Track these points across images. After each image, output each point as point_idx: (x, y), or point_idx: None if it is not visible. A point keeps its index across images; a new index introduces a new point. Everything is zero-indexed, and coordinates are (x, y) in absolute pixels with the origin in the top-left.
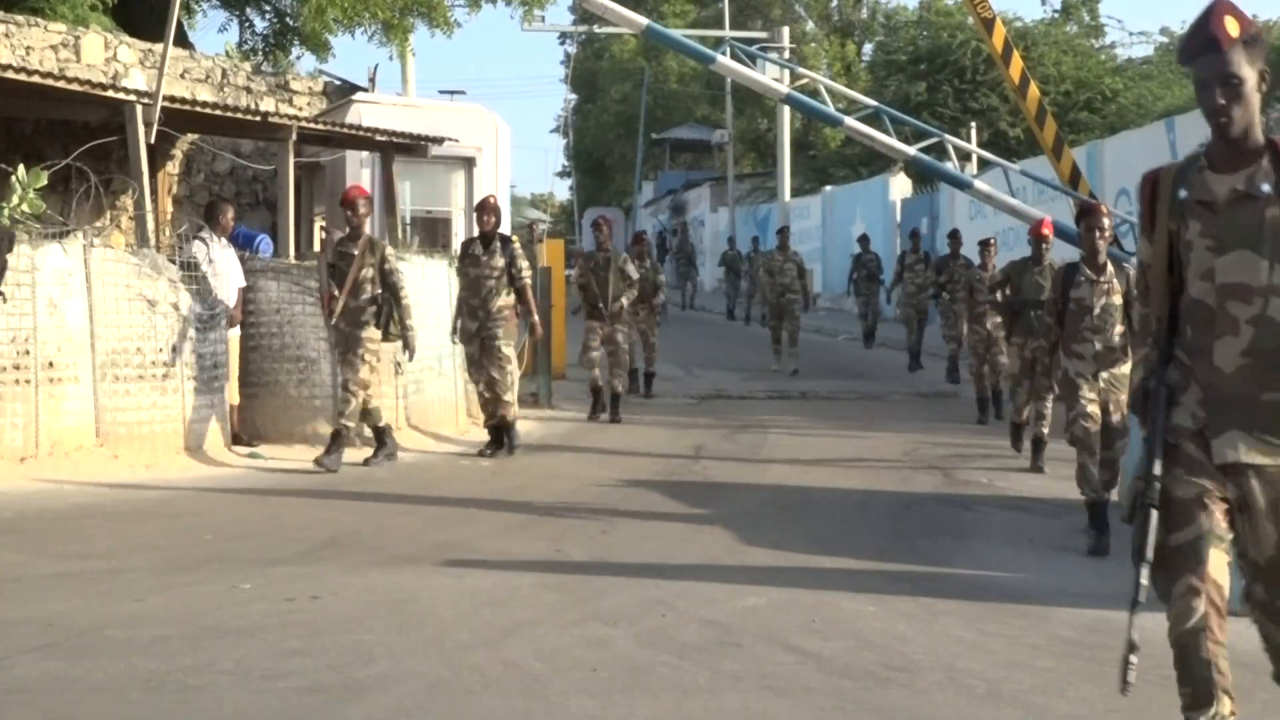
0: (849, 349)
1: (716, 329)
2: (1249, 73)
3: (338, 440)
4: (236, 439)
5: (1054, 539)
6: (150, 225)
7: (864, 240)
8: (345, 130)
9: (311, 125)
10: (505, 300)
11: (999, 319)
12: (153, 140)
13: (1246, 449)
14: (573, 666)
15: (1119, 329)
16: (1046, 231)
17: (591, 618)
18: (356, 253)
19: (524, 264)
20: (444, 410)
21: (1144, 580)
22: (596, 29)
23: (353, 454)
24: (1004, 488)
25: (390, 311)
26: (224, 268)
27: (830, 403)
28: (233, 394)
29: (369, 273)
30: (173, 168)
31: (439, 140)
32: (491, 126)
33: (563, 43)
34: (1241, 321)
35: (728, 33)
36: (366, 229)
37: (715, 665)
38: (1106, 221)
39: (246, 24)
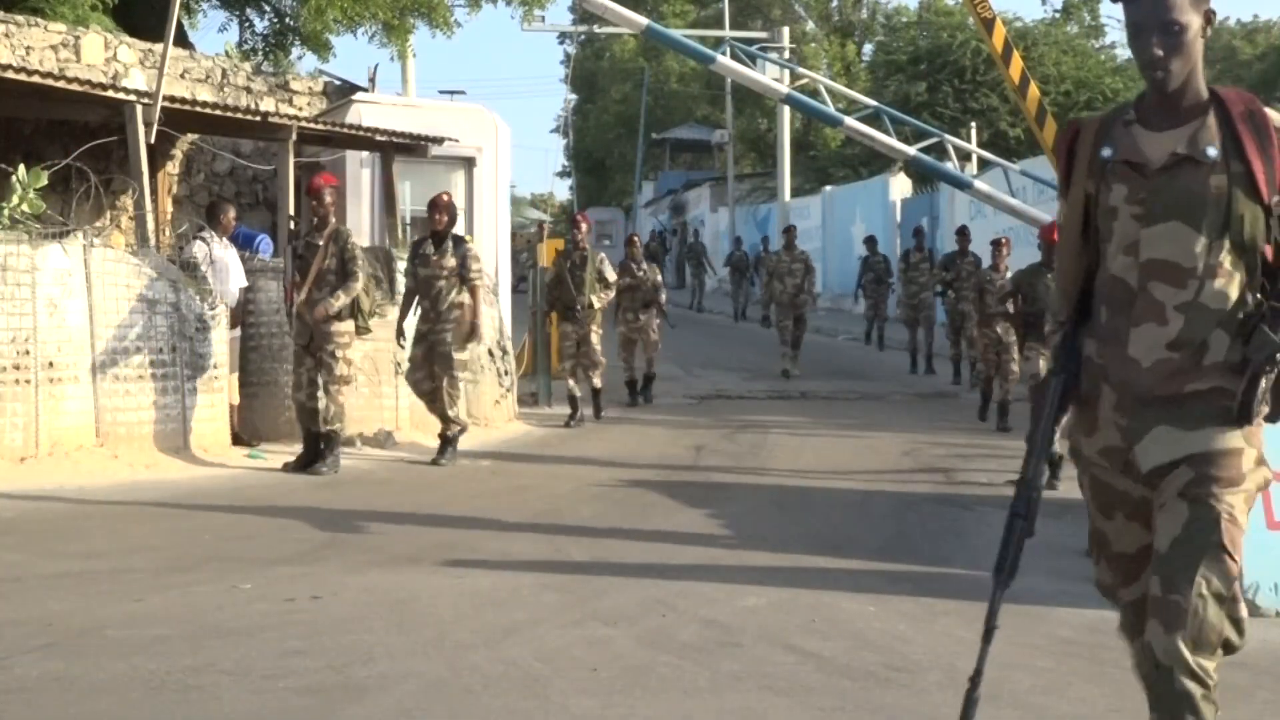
0: (849, 349)
1: (717, 329)
2: (1191, 17)
3: (330, 443)
4: (236, 439)
5: (1054, 539)
6: (150, 225)
7: (871, 242)
8: (345, 130)
9: (311, 125)
10: (456, 300)
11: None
12: (153, 140)
13: (1170, 447)
14: (573, 666)
15: None
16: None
17: (591, 618)
18: (321, 243)
19: (476, 264)
20: None
21: (998, 604)
22: (596, 29)
23: (351, 457)
24: (1004, 488)
25: (358, 302)
26: (225, 268)
27: (830, 403)
28: (233, 394)
29: (334, 263)
30: (173, 168)
31: (439, 140)
32: (491, 126)
33: (563, 43)
34: (1168, 307)
35: (728, 33)
36: (333, 219)
37: (715, 665)
38: None
39: (246, 24)
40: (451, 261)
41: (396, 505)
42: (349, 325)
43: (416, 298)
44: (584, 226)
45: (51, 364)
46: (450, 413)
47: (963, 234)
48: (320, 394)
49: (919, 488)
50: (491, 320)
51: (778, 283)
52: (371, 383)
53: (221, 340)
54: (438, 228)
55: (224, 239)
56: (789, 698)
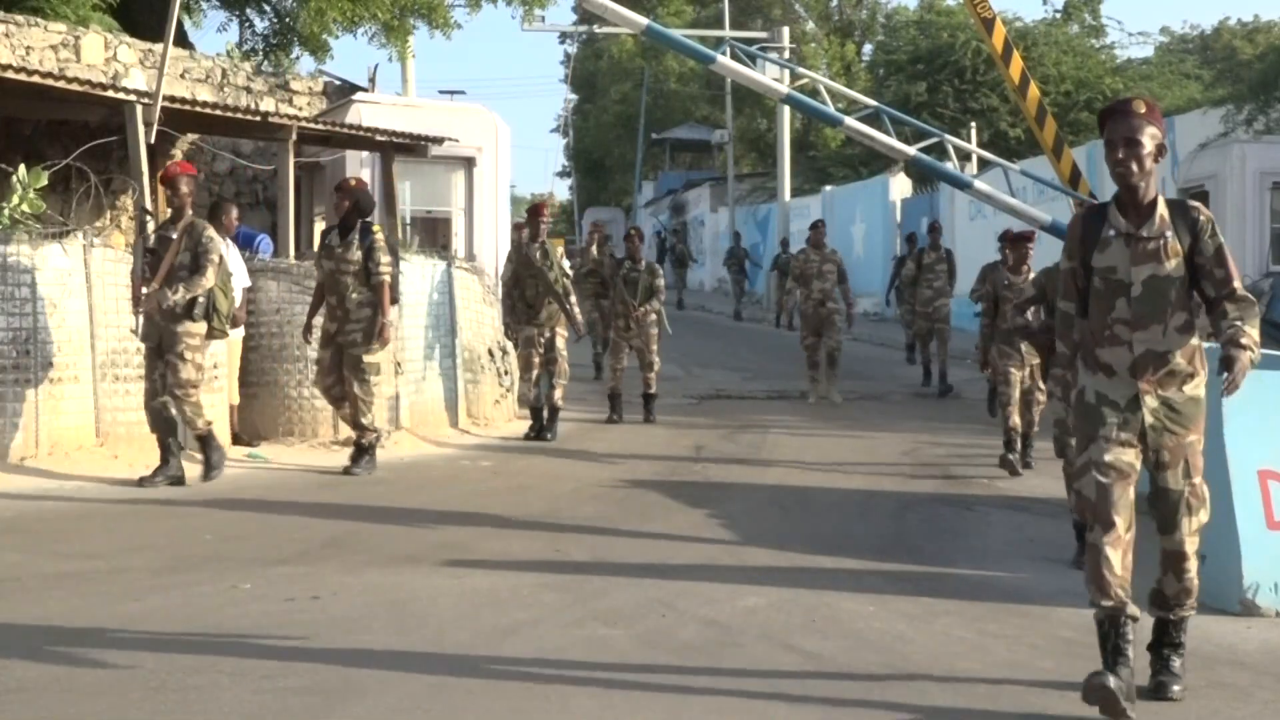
0: (849, 349)
1: (718, 329)
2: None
3: (206, 446)
4: (236, 439)
5: (1054, 539)
6: (150, 225)
7: (913, 240)
8: (345, 130)
9: (311, 125)
10: (365, 298)
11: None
12: (153, 140)
13: None
14: (573, 666)
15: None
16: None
17: (591, 618)
18: (175, 236)
19: (384, 257)
20: (444, 410)
21: None
22: (596, 29)
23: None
24: (1004, 488)
25: (213, 302)
26: (228, 268)
27: (830, 403)
28: (233, 394)
29: (186, 259)
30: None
31: (439, 140)
32: (491, 126)
33: (563, 43)
34: None
35: (728, 33)
36: (190, 210)
37: (715, 665)
38: None
39: (246, 24)
40: (357, 254)
41: (396, 505)
42: (200, 326)
43: (324, 294)
44: (544, 216)
45: (51, 364)
46: (364, 420)
47: (1016, 244)
48: (182, 396)
49: (919, 488)
50: (491, 320)
51: (802, 288)
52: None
53: (221, 341)
54: (341, 214)
55: (227, 239)
56: (789, 698)
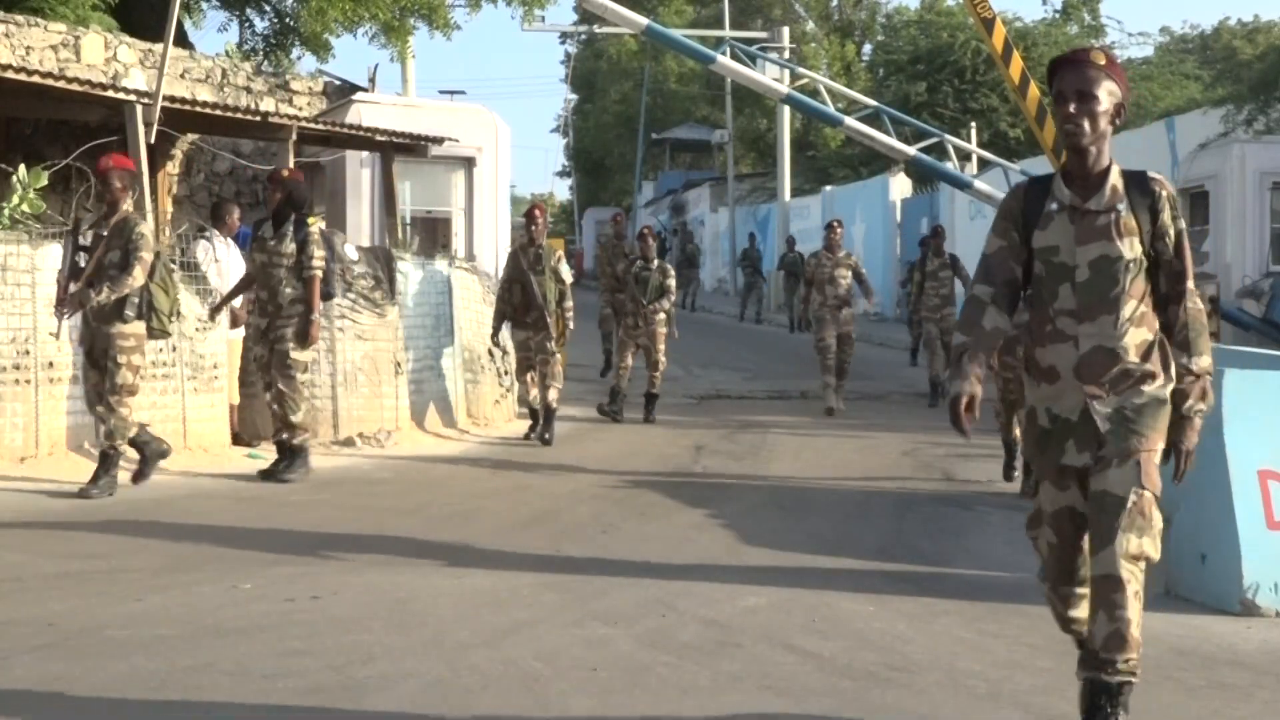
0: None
1: (719, 329)
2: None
3: (105, 463)
4: (236, 439)
5: None
6: (150, 225)
7: (925, 243)
8: (345, 130)
9: (311, 125)
10: (297, 294)
11: None
12: (153, 140)
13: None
14: (573, 666)
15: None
16: None
17: (591, 618)
18: (107, 234)
19: (317, 251)
20: (444, 410)
21: None
22: (596, 29)
23: (352, 457)
24: (1004, 488)
25: (151, 300)
26: (229, 268)
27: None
28: (233, 394)
29: (116, 256)
30: (173, 168)
31: (439, 140)
32: (491, 126)
33: (563, 43)
34: None
35: (728, 33)
36: (126, 205)
37: (715, 665)
38: None
39: (246, 24)
40: (290, 248)
41: (396, 505)
42: (137, 327)
43: (254, 286)
44: (539, 221)
45: (51, 364)
46: (294, 418)
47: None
48: (118, 403)
49: (919, 488)
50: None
51: (817, 293)
52: (372, 383)
53: (221, 340)
54: (274, 207)
55: (229, 239)
56: (789, 698)
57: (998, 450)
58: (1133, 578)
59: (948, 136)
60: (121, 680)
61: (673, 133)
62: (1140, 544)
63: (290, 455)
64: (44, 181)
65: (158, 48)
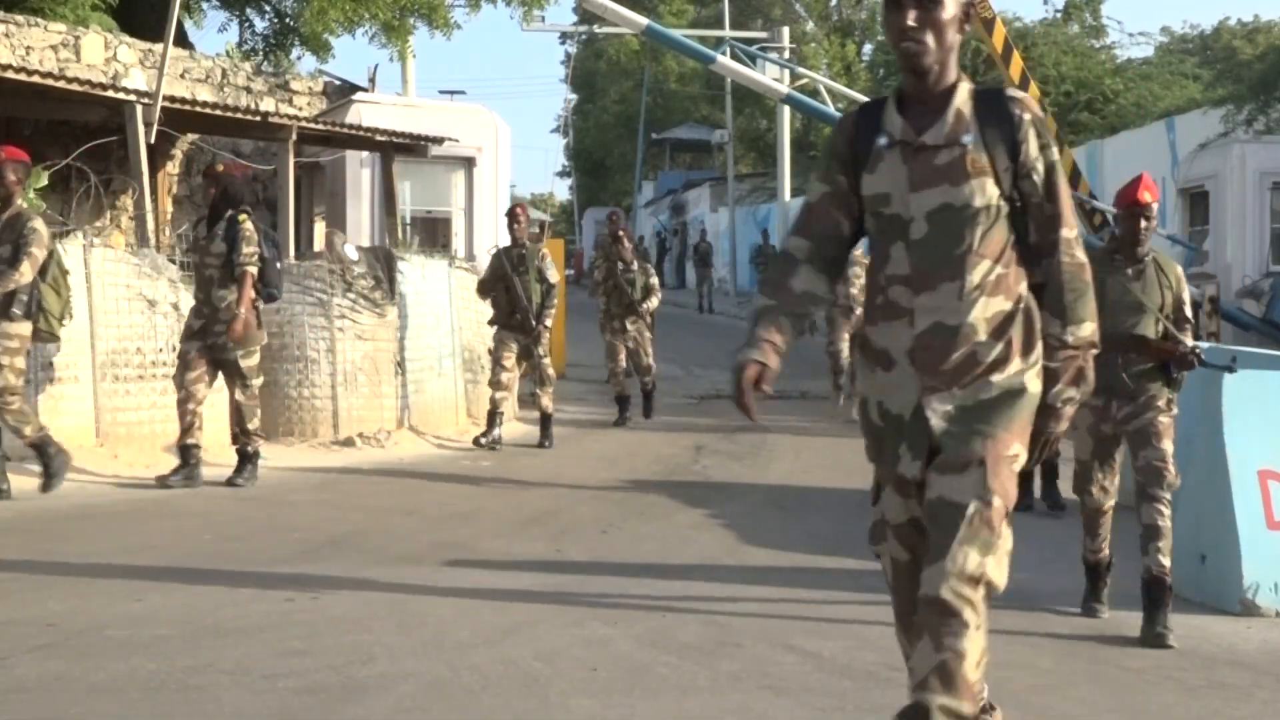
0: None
1: (719, 329)
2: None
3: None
4: (236, 439)
5: (1054, 539)
6: (150, 225)
7: None
8: (345, 130)
9: (311, 125)
10: (232, 295)
11: None
12: (153, 140)
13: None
14: (573, 666)
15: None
16: (1148, 197)
17: (591, 618)
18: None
19: (248, 247)
20: (444, 410)
21: None
22: (596, 29)
23: (352, 457)
24: None
25: (39, 299)
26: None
27: (830, 402)
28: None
29: (6, 251)
30: (173, 168)
31: (439, 140)
32: (491, 126)
33: (563, 43)
34: None
35: (728, 33)
36: (19, 200)
37: (715, 665)
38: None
39: (246, 24)
40: (222, 246)
41: (396, 505)
42: (22, 328)
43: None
44: (522, 220)
45: (51, 364)
46: (250, 425)
47: None
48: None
49: None
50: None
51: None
52: (371, 383)
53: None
54: (210, 204)
55: None
56: (789, 698)
57: None
58: (968, 605)
59: None
60: (121, 680)
61: (673, 133)
62: (981, 563)
63: (242, 460)
64: (44, 181)
65: (158, 48)
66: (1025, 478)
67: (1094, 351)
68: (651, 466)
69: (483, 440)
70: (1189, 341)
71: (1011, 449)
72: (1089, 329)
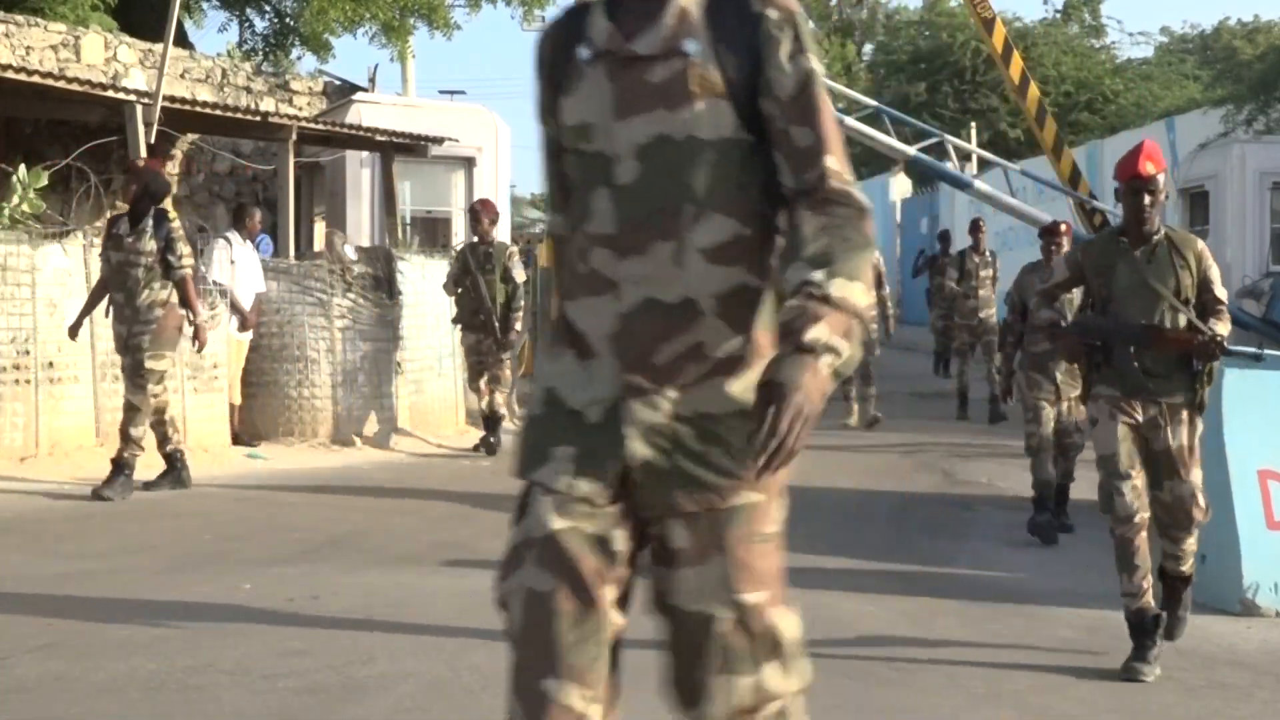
0: None
1: None
2: None
3: None
4: (236, 439)
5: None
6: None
7: (945, 238)
8: (345, 130)
9: (311, 125)
10: (158, 296)
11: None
12: (153, 140)
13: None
14: None
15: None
16: (1151, 168)
17: None
18: None
19: (184, 248)
20: (444, 410)
21: None
22: None
23: (352, 457)
24: (1004, 488)
25: None
26: (245, 270)
27: (830, 402)
28: (234, 394)
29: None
30: (173, 168)
31: (439, 140)
32: (491, 126)
33: None
34: None
35: None
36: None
37: None
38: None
39: (246, 24)
40: (150, 245)
41: (396, 505)
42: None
43: (109, 290)
44: (487, 216)
45: (51, 364)
46: (133, 431)
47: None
48: None
49: (919, 488)
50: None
51: None
52: (371, 383)
53: (221, 340)
54: (132, 201)
55: (248, 242)
56: None
57: (998, 450)
58: None
59: (948, 137)
60: (121, 680)
61: None
62: (760, 683)
63: (116, 469)
64: (44, 181)
65: (158, 48)
66: (1062, 491)
67: (867, 317)
68: None
69: (490, 441)
70: (1217, 328)
71: (764, 493)
72: (858, 293)
